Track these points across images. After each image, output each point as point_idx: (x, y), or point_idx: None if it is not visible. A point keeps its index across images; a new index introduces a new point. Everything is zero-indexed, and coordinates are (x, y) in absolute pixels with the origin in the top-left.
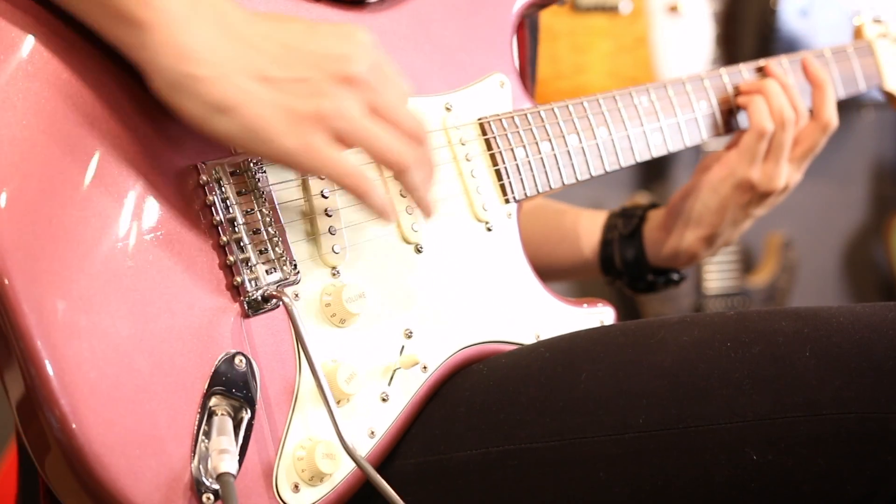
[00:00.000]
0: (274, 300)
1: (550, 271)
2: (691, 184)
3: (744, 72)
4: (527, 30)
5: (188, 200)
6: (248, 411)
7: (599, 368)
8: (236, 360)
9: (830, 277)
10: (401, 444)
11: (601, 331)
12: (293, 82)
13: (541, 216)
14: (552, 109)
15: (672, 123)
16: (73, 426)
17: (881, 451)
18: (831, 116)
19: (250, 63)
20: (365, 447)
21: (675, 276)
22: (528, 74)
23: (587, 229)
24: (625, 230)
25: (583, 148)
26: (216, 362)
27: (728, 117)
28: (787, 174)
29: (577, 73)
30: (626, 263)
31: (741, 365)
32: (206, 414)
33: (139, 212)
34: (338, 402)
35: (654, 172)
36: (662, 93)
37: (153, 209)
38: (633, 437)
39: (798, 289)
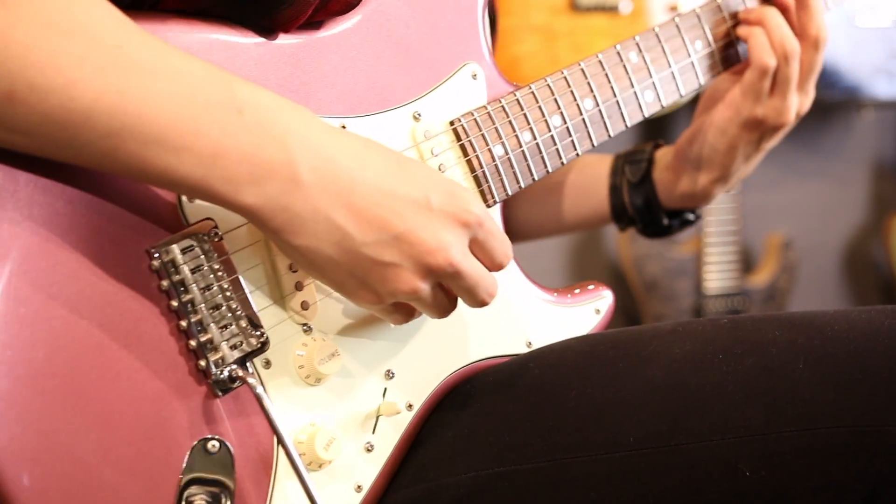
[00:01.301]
0: (240, 380)
1: (559, 228)
2: (697, 125)
3: None
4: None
5: (142, 290)
6: (227, 496)
7: (589, 385)
8: (209, 446)
9: (830, 277)
10: None
11: (591, 342)
12: (380, 266)
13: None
14: (532, 93)
15: (666, 75)
16: None
17: (876, 463)
18: (819, 29)
19: (344, 239)
20: None
21: (691, 217)
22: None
23: (592, 177)
24: (633, 177)
25: (567, 127)
26: (188, 453)
27: (727, 52)
28: (796, 105)
29: None
30: (637, 210)
31: (733, 378)
32: None
33: (93, 315)
34: (319, 466)
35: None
36: (653, 41)
37: (107, 309)
38: (623, 456)
39: (798, 289)
